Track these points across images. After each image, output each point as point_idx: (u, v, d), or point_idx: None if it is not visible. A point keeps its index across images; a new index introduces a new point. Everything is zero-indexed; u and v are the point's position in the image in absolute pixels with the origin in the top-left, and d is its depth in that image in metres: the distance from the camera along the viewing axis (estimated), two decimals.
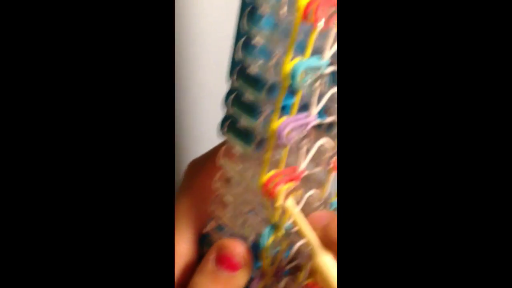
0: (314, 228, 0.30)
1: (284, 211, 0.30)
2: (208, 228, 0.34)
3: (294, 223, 0.30)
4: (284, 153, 0.29)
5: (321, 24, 0.26)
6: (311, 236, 0.29)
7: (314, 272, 0.29)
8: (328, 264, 0.28)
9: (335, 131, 0.32)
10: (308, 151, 0.30)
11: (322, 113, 0.30)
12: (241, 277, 0.33)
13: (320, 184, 0.33)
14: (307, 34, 0.28)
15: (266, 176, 0.29)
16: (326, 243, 0.29)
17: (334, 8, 0.27)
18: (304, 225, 0.30)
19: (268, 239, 0.31)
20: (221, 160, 0.32)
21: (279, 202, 0.29)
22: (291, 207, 0.30)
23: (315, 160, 0.31)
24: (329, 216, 0.31)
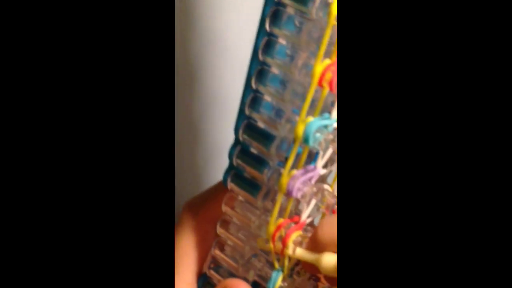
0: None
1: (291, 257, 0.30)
2: (206, 268, 0.34)
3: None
4: (289, 202, 0.29)
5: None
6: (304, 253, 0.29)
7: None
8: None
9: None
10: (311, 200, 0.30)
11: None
12: None
13: (311, 223, 0.33)
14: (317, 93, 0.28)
15: (274, 226, 0.29)
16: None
17: None
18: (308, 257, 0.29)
19: (275, 283, 0.31)
20: (224, 208, 0.32)
21: (289, 252, 0.29)
22: (300, 253, 0.30)
23: (317, 206, 0.31)
24: None
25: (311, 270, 0.31)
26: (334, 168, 0.31)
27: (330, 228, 0.29)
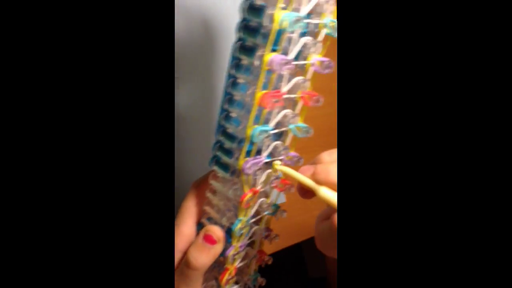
0: (305, 175, 0.36)
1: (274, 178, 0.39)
2: (202, 219, 0.43)
3: (290, 176, 0.38)
4: (248, 178, 0.39)
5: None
6: (305, 179, 0.36)
7: (322, 200, 0.35)
8: (327, 192, 0.35)
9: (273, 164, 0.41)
10: (260, 177, 0.39)
11: (269, 155, 0.40)
12: (217, 248, 0.40)
13: (266, 194, 0.42)
14: (261, 110, 0.37)
15: (245, 191, 0.39)
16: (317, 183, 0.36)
17: (276, 98, 0.35)
18: (296, 174, 0.37)
19: (236, 226, 0.40)
20: (210, 181, 0.42)
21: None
22: (282, 168, 0.38)
23: (265, 182, 0.40)
24: (312, 167, 0.37)
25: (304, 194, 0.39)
26: (279, 158, 0.40)
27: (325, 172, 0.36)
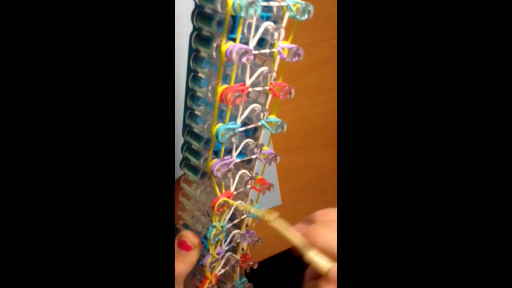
0: (298, 234, 0.34)
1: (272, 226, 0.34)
2: (177, 225, 0.40)
3: (282, 234, 0.34)
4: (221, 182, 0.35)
5: None
6: (295, 238, 0.33)
7: (309, 263, 0.33)
8: (315, 256, 0.32)
9: (251, 163, 0.38)
10: (233, 178, 0.36)
11: (242, 154, 0.36)
12: (193, 255, 0.37)
13: (246, 195, 0.38)
14: (226, 107, 0.33)
15: (218, 195, 0.35)
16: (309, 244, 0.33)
17: (238, 92, 0.31)
18: (289, 233, 0.33)
19: (211, 233, 0.36)
20: (182, 184, 0.38)
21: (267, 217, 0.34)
22: (279, 225, 0.34)
23: (240, 183, 0.36)
24: (305, 227, 0.34)
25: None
26: (253, 156, 0.36)
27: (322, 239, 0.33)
